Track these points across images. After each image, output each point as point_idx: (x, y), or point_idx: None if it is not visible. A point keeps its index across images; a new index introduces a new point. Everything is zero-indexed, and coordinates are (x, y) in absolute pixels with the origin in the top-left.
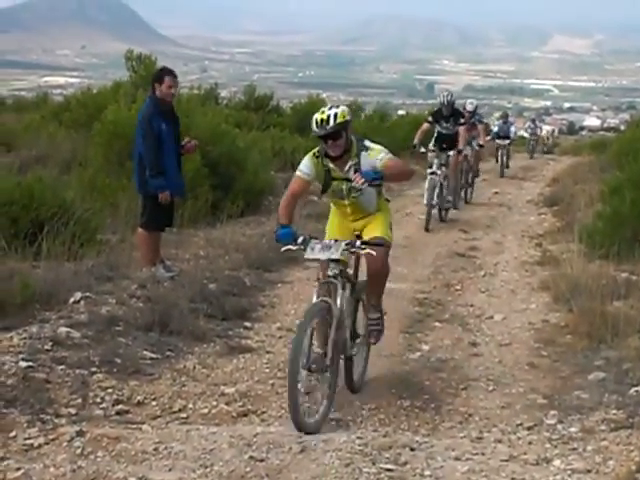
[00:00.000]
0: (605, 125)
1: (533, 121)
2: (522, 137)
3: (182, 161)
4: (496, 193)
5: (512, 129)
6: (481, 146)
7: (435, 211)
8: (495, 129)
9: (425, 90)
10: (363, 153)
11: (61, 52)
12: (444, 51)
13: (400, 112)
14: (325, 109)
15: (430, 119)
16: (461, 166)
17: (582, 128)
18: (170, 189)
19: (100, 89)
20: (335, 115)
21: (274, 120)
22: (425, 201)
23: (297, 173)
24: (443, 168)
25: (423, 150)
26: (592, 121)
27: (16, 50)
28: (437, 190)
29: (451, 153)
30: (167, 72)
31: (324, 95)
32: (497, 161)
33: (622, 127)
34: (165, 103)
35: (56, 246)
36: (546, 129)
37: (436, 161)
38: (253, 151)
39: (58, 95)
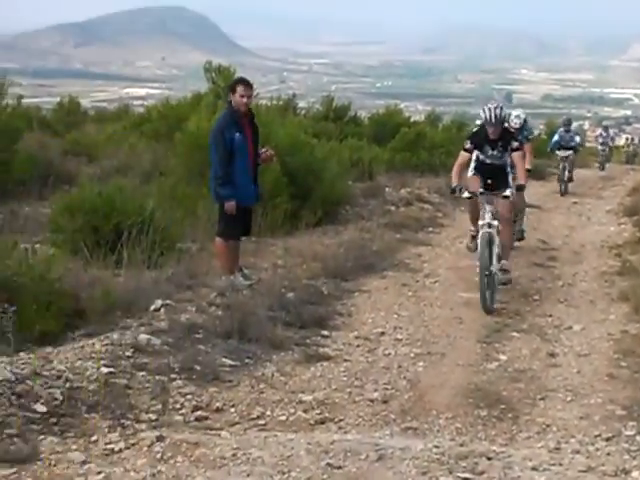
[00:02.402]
0: None
1: (606, 129)
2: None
3: (260, 170)
4: (575, 203)
5: (577, 138)
6: (528, 171)
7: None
8: (555, 138)
9: (503, 99)
10: None
11: (141, 64)
12: (522, 60)
13: (478, 122)
14: None
15: (468, 146)
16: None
17: None
18: (238, 198)
19: (180, 100)
20: None
21: (352, 130)
22: (479, 267)
23: None
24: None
25: (467, 195)
26: None
27: (97, 62)
28: (496, 249)
29: (508, 193)
30: (239, 81)
31: (402, 105)
32: (558, 177)
33: None
34: (239, 112)
35: (137, 254)
36: (625, 137)
37: (488, 207)
38: (331, 161)
39: (139, 106)
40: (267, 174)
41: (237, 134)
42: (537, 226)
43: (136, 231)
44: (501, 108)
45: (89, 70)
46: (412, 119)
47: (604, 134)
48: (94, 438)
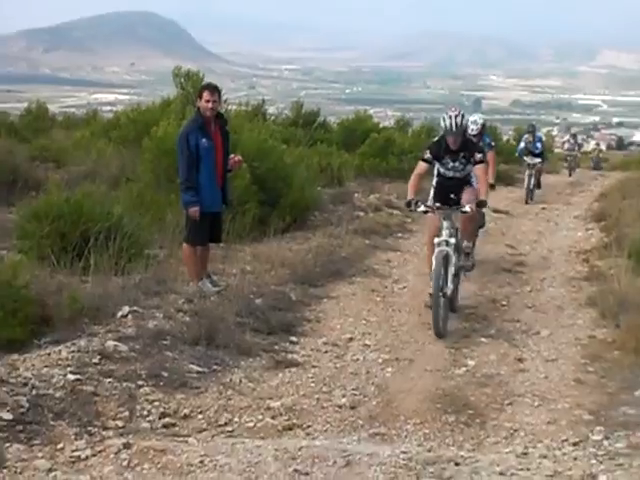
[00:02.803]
0: None
1: (574, 136)
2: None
3: (229, 177)
4: (543, 209)
5: (538, 145)
6: (491, 186)
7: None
8: (521, 145)
9: (472, 105)
10: None
11: (110, 69)
12: (492, 67)
13: None
14: None
15: (427, 156)
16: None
17: (631, 143)
18: (203, 204)
19: (148, 106)
20: None
21: (321, 136)
22: (432, 289)
23: None
24: (456, 232)
25: (423, 208)
26: None
27: (66, 67)
28: (452, 268)
29: (467, 208)
30: (205, 87)
31: (371, 111)
32: (525, 185)
33: None
34: (206, 118)
35: (104, 261)
36: (595, 143)
37: (446, 224)
38: (300, 167)
39: (108, 112)
40: (236, 180)
41: (203, 140)
42: (506, 232)
43: (104, 237)
44: (462, 116)
45: (58, 75)
46: (381, 125)
47: (572, 141)
48: (60, 445)
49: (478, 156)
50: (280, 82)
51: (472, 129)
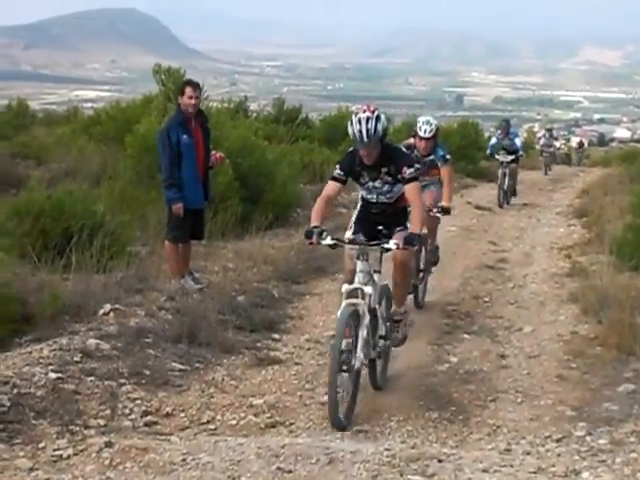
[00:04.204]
0: (635, 136)
1: (549, 131)
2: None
3: (211, 173)
4: (525, 205)
5: (517, 142)
6: (445, 211)
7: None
8: (493, 141)
9: (454, 102)
10: None
11: (91, 66)
12: (473, 63)
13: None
14: None
15: (337, 172)
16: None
17: (612, 139)
18: (186, 201)
19: (129, 103)
20: None
21: (303, 133)
22: (331, 357)
23: None
24: (376, 278)
25: (329, 241)
26: (622, 132)
27: (47, 64)
28: (364, 331)
29: (391, 245)
30: (187, 83)
31: (353, 108)
32: (498, 185)
33: None
34: (188, 114)
35: (85, 258)
36: (574, 141)
37: (362, 266)
38: (282, 164)
39: (89, 109)
40: (219, 177)
41: (184, 136)
42: (488, 228)
43: (85, 235)
44: (377, 118)
45: (38, 72)
46: None
47: (547, 135)
48: (42, 444)
49: (408, 172)
50: (262, 79)
51: (425, 130)
